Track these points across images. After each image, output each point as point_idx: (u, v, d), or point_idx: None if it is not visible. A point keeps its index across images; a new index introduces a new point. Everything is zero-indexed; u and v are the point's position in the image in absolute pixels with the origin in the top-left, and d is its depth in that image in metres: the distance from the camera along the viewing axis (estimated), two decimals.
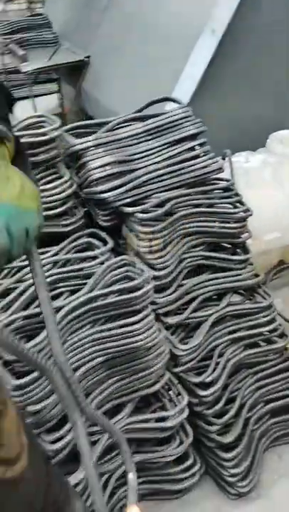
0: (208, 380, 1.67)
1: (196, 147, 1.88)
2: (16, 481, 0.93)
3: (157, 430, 1.57)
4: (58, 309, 1.45)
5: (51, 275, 1.56)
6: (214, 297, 1.90)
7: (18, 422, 1.01)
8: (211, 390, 1.65)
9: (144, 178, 1.76)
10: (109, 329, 1.50)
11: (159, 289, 1.71)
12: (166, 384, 1.64)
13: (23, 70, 3.77)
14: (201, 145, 1.89)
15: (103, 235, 1.77)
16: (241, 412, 1.74)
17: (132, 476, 0.99)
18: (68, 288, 1.58)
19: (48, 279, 1.55)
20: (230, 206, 1.91)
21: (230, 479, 1.67)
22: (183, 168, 1.83)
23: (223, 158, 2.48)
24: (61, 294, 1.56)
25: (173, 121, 1.91)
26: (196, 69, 2.88)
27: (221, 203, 1.91)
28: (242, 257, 1.93)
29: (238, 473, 1.66)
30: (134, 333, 1.51)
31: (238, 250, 1.96)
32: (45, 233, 1.70)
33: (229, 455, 1.65)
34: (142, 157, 1.81)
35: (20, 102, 3.63)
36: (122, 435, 0.89)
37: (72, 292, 1.55)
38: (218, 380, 1.68)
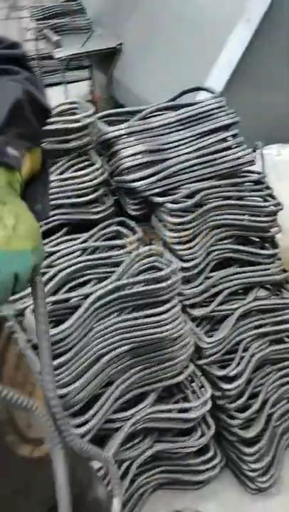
0: (232, 373, 1.66)
1: (229, 138, 1.85)
2: (43, 460, 0.95)
3: (180, 421, 1.58)
4: (86, 296, 1.46)
5: (79, 262, 1.57)
6: (240, 291, 1.88)
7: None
8: (235, 383, 1.64)
9: (175, 168, 1.74)
10: (136, 318, 1.50)
11: (185, 281, 1.71)
12: (189, 376, 1.64)
13: (56, 56, 3.77)
14: (233, 136, 1.86)
15: (132, 224, 1.77)
16: (264, 407, 1.72)
17: (116, 501, 0.98)
18: (96, 276, 1.59)
19: (77, 266, 1.56)
20: (261, 199, 1.89)
21: (250, 474, 1.66)
22: (214, 160, 1.81)
23: (254, 151, 2.44)
24: (89, 281, 1.57)
25: (206, 111, 1.88)
26: (230, 58, 2.83)
27: (252, 196, 1.89)
28: (270, 252, 1.91)
29: (258, 469, 1.66)
30: (160, 323, 1.51)
31: (266, 244, 1.94)
32: (75, 220, 1.73)
33: (250, 450, 1.64)
34: (174, 147, 1.80)
35: (52, 89, 3.64)
36: (112, 462, 0.88)
37: (100, 280, 1.56)
38: (242, 374, 1.67)
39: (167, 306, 1.52)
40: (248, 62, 2.84)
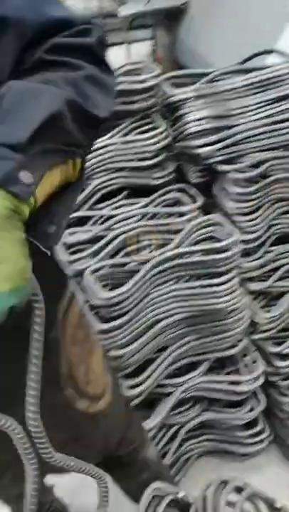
0: (287, 351, 1.63)
1: None
2: (97, 417, 0.98)
3: (230, 393, 1.57)
4: (144, 262, 1.46)
5: (139, 226, 1.56)
6: None
7: (105, 362, 1.05)
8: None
9: (240, 136, 1.67)
10: (192, 287, 1.49)
11: (245, 254, 1.66)
12: (242, 349, 1.62)
13: (120, 14, 3.67)
14: None
15: (193, 191, 1.72)
16: None
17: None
18: (154, 242, 1.58)
19: (136, 231, 1.55)
20: None
21: None
22: (283, 129, 1.72)
23: None
24: (148, 246, 1.56)
25: (278, 76, 1.78)
26: None
27: None
28: None
29: None
30: (217, 294, 1.49)
31: None
32: (136, 184, 1.71)
33: None
34: (241, 113, 1.72)
35: (114, 48, 3.56)
36: (103, 473, 0.87)
37: (158, 246, 1.54)
38: None
39: (225, 277, 1.49)
40: None
